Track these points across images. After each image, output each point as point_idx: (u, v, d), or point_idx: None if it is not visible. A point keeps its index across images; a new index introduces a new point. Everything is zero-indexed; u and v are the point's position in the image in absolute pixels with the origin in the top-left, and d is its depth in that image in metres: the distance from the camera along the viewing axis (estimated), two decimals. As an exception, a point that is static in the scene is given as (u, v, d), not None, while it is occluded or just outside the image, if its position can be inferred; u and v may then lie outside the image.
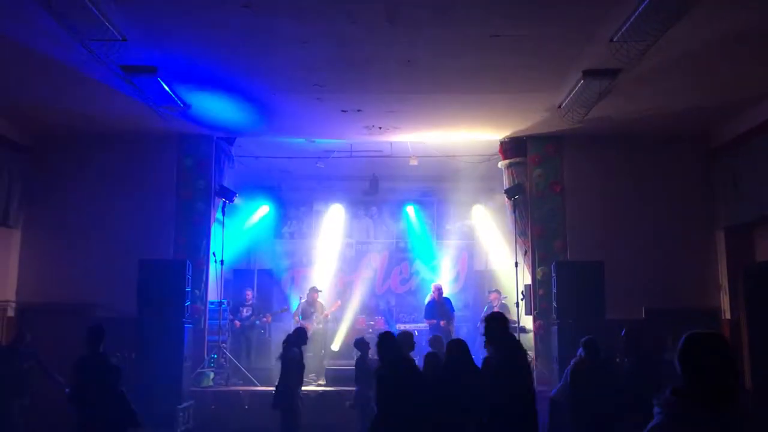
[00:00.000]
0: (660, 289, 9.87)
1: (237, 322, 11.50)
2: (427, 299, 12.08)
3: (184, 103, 8.56)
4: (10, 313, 9.68)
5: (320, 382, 10.62)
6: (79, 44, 6.55)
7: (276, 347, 11.37)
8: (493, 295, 12.29)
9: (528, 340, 10.53)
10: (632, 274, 9.82)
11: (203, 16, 6.24)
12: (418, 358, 9.77)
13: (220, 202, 10.54)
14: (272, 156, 11.72)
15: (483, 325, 5.54)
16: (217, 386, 9.90)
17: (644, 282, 9.87)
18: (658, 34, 6.19)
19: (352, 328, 12.88)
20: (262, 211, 13.84)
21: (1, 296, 9.55)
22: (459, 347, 6.26)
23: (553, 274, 9.34)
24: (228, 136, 10.57)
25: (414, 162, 11.50)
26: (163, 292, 8.99)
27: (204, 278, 10.15)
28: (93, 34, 6.32)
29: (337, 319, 12.84)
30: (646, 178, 10.23)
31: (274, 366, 9.29)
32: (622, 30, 6.28)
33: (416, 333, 12.58)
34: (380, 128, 9.81)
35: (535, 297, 10.15)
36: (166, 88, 7.84)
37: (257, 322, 11.66)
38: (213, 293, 10.67)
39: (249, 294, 12.15)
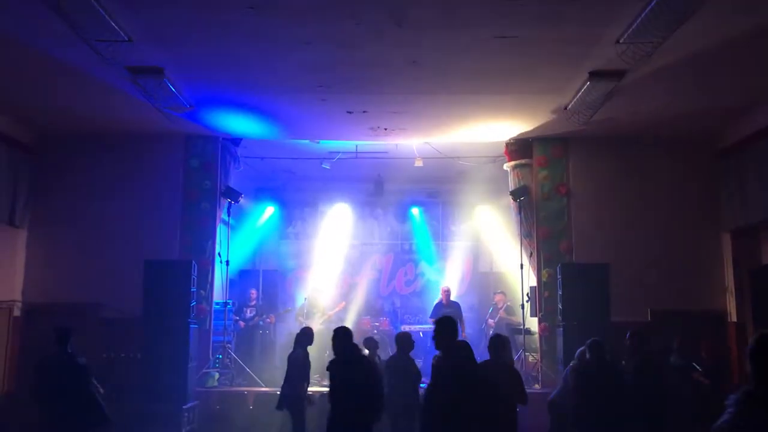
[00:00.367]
0: (666, 291, 9.83)
1: (241, 323, 11.52)
2: (436, 301, 12.08)
3: (190, 104, 8.57)
4: (16, 312, 9.71)
5: (324, 382, 10.61)
6: (86, 45, 6.58)
7: (280, 347, 11.42)
8: (498, 297, 12.27)
9: (533, 342, 10.53)
10: (638, 276, 9.78)
11: (209, 18, 6.26)
12: (422, 360, 9.81)
13: (225, 202, 10.56)
14: (277, 157, 11.74)
15: (433, 328, 5.58)
16: (222, 386, 9.91)
17: (650, 284, 9.83)
18: (664, 35, 6.18)
19: (357, 329, 12.87)
20: (267, 212, 13.87)
21: (7, 296, 9.58)
22: (463, 350, 6.24)
23: (559, 276, 9.31)
24: (233, 137, 10.59)
25: (419, 163, 11.50)
26: (169, 293, 9.01)
27: (209, 279, 10.16)
28: (99, 35, 6.36)
29: (342, 320, 12.83)
30: (652, 180, 10.20)
31: (278, 366, 9.30)
32: (629, 31, 6.28)
33: (421, 334, 12.67)
34: (385, 129, 9.81)
35: (540, 299, 10.13)
36: (173, 89, 7.86)
37: (261, 322, 11.69)
38: (218, 294, 10.68)
39: (253, 294, 12.17)
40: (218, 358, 10.41)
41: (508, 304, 11.98)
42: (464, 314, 12.61)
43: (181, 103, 8.40)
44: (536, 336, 10.37)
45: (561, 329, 9.11)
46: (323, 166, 11.93)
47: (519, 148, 10.52)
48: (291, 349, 8.09)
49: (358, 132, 10.08)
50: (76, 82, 8.03)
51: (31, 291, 9.88)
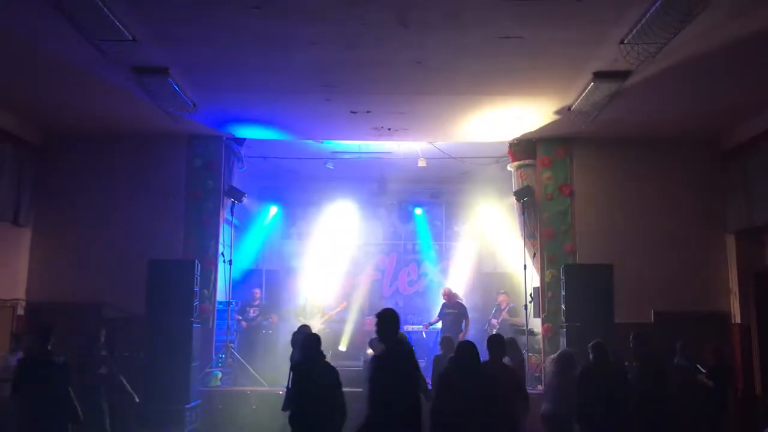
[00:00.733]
0: (669, 292, 9.82)
1: (243, 323, 11.52)
2: (443, 302, 12.12)
3: (194, 104, 8.58)
4: (20, 311, 9.73)
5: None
6: (91, 45, 6.59)
7: (283, 347, 11.39)
8: (501, 297, 12.27)
9: (537, 343, 10.52)
10: (641, 277, 9.77)
11: (214, 17, 6.27)
12: (425, 360, 9.80)
13: (228, 202, 10.57)
14: (281, 157, 11.75)
15: (375, 320, 5.80)
16: (225, 386, 9.92)
17: (653, 285, 9.82)
18: (668, 36, 6.17)
19: (360, 330, 12.90)
20: (270, 212, 13.89)
21: (11, 295, 9.60)
22: (468, 350, 6.25)
23: (562, 277, 9.30)
24: (237, 136, 10.60)
25: (422, 163, 11.50)
26: (172, 292, 9.03)
27: (212, 278, 10.17)
28: (104, 35, 6.37)
29: (343, 320, 12.85)
30: (656, 181, 10.18)
31: (281, 366, 9.28)
32: (633, 32, 6.27)
33: (424, 335, 12.68)
34: (389, 130, 9.81)
35: (543, 300, 10.11)
36: (177, 88, 7.87)
37: (264, 322, 11.69)
38: (221, 293, 10.69)
39: (257, 293, 12.17)
40: (221, 357, 10.43)
41: (512, 305, 11.97)
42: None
43: (186, 103, 8.40)
44: (539, 337, 10.36)
45: (564, 330, 9.10)
46: (327, 166, 11.94)
47: (523, 148, 10.50)
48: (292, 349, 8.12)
49: (361, 132, 10.08)
50: (80, 82, 8.05)
51: (35, 290, 9.90)
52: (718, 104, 8.71)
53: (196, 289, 9.31)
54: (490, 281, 13.79)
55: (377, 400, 5.44)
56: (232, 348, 10.50)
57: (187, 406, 8.79)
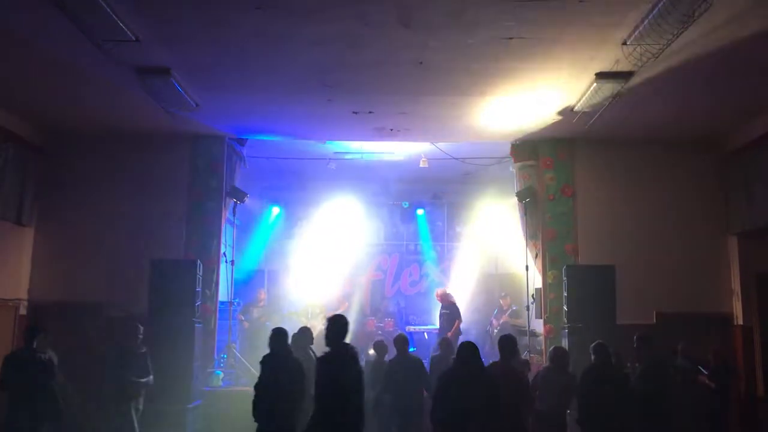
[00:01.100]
0: (672, 293, 9.81)
1: (246, 323, 11.53)
2: None
3: (197, 104, 8.59)
4: (23, 311, 9.75)
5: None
6: (93, 45, 6.60)
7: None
8: (504, 300, 12.29)
9: (538, 344, 10.52)
10: (643, 278, 9.76)
11: (216, 18, 6.27)
12: (427, 359, 9.77)
13: (231, 202, 10.58)
14: (283, 157, 11.76)
15: (325, 324, 6.10)
16: (227, 386, 9.92)
17: (656, 286, 9.81)
18: (670, 37, 6.16)
19: (361, 330, 12.90)
20: (272, 212, 13.90)
21: (13, 294, 9.61)
22: (469, 351, 6.25)
23: (564, 278, 9.29)
24: (240, 137, 10.61)
25: (424, 164, 11.50)
26: (174, 292, 9.04)
27: (214, 278, 10.17)
28: (106, 35, 6.38)
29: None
30: (658, 182, 10.17)
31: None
32: (635, 33, 6.27)
33: (426, 335, 12.69)
34: (391, 130, 9.81)
35: (545, 301, 10.11)
36: (179, 88, 7.88)
37: (268, 323, 11.69)
38: (223, 293, 10.70)
39: (262, 294, 12.18)
40: (223, 357, 10.43)
41: (515, 308, 11.98)
42: (469, 316, 12.68)
43: (188, 103, 8.41)
44: (541, 338, 10.35)
45: (566, 331, 9.09)
46: (329, 166, 11.94)
47: (525, 149, 10.50)
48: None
49: (363, 132, 10.09)
50: (83, 82, 8.06)
51: (38, 289, 9.91)
52: (720, 105, 8.70)
53: (198, 289, 9.32)
54: (491, 282, 13.80)
55: (318, 399, 5.75)
56: (234, 348, 10.51)
57: (188, 405, 8.80)
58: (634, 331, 8.06)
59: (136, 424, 7.87)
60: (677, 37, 6.16)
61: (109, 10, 5.89)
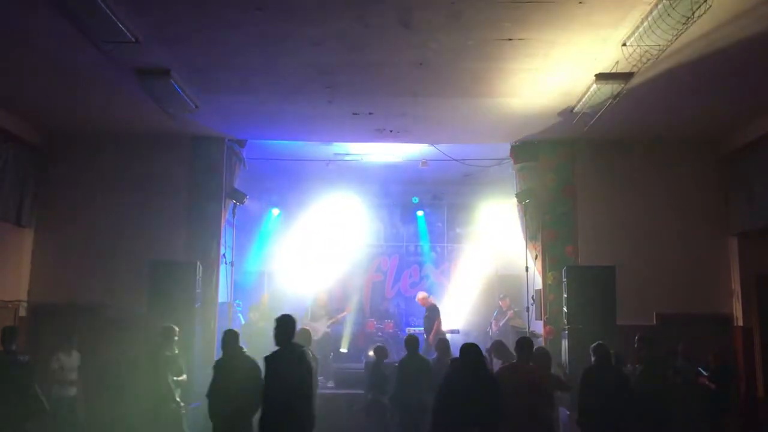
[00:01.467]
0: (672, 294, 9.80)
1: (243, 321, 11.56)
2: None
3: (196, 105, 8.59)
4: (22, 312, 9.74)
5: (328, 384, 10.62)
6: (93, 46, 6.61)
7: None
8: (504, 301, 12.29)
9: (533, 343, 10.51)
10: (644, 279, 9.75)
11: (216, 19, 6.27)
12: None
13: (230, 203, 10.57)
14: (283, 159, 11.76)
15: (274, 325, 6.25)
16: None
17: (656, 287, 9.80)
18: (670, 38, 6.16)
19: (361, 331, 12.91)
20: (272, 213, 13.90)
21: (13, 296, 9.61)
22: (472, 352, 6.27)
23: (564, 279, 9.28)
24: (239, 138, 10.61)
25: (425, 165, 11.49)
26: (174, 293, 9.04)
27: (214, 280, 10.16)
28: (106, 36, 6.38)
29: (345, 322, 12.85)
30: (658, 183, 10.17)
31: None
32: (635, 34, 6.27)
33: (426, 337, 12.66)
34: (391, 131, 9.81)
35: (545, 302, 10.10)
36: (179, 90, 7.88)
37: (268, 325, 11.68)
38: (223, 295, 10.69)
39: (265, 298, 12.17)
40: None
41: (516, 309, 11.98)
42: (468, 317, 12.83)
43: (187, 104, 8.40)
44: (541, 339, 10.34)
45: (566, 332, 9.09)
46: (329, 167, 11.93)
47: (525, 150, 10.49)
48: None
49: (363, 134, 10.08)
50: (83, 83, 8.07)
51: (37, 291, 9.92)
52: (720, 106, 8.70)
53: (198, 290, 9.32)
54: (491, 283, 13.79)
55: (264, 398, 5.97)
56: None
57: (188, 407, 8.77)
58: (634, 332, 8.05)
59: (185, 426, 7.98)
60: (677, 37, 6.16)
61: (108, 11, 5.89)
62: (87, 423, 8.82)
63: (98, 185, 10.18)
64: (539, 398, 6.66)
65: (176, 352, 8.14)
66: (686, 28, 5.96)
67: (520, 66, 7.33)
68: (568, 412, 8.49)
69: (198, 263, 9.44)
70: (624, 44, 6.53)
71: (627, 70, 7.16)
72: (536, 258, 10.32)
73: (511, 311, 12.10)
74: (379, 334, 12.25)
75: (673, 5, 5.60)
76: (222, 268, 10.38)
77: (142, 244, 9.90)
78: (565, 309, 9.19)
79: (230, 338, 7.09)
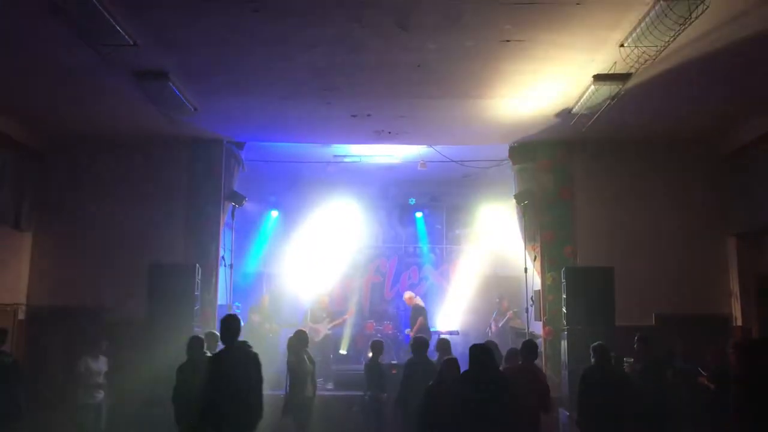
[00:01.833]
0: (671, 295, 9.81)
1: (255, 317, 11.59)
2: None
3: (195, 108, 8.59)
4: (21, 316, 9.73)
5: (328, 386, 10.62)
6: (91, 49, 6.60)
7: (284, 352, 11.44)
8: (503, 302, 12.30)
9: (538, 346, 10.52)
10: (642, 280, 9.76)
11: (214, 21, 6.27)
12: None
13: (229, 206, 10.57)
14: (282, 161, 11.75)
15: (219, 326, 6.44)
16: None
17: (654, 288, 9.81)
18: (667, 39, 6.17)
19: (360, 333, 12.90)
20: (271, 215, 13.90)
21: (12, 299, 9.60)
22: (482, 353, 6.29)
23: (563, 280, 9.29)
24: (238, 140, 10.61)
25: (423, 167, 11.50)
26: (173, 296, 9.03)
27: (213, 282, 10.16)
28: (104, 40, 6.38)
29: (345, 324, 12.84)
30: (657, 184, 10.18)
31: (283, 371, 9.31)
32: (633, 35, 6.28)
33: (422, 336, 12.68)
34: (390, 133, 9.81)
35: (544, 303, 10.11)
36: (177, 93, 7.88)
37: (267, 325, 11.70)
38: (222, 297, 10.69)
39: (265, 300, 12.17)
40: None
41: (515, 310, 11.99)
42: (467, 317, 12.89)
43: (186, 107, 8.41)
44: (540, 340, 10.34)
45: (565, 333, 9.10)
46: (328, 169, 11.93)
47: (523, 151, 10.51)
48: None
49: (362, 136, 10.09)
50: (81, 87, 8.06)
51: (36, 294, 9.91)
52: (718, 106, 8.71)
53: (197, 293, 9.32)
54: (490, 284, 13.79)
55: (209, 396, 6.07)
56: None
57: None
58: (633, 332, 8.07)
59: None
60: (675, 38, 6.17)
61: (107, 14, 5.89)
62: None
63: (97, 188, 10.18)
64: (538, 399, 6.76)
65: (208, 354, 8.11)
66: (684, 29, 5.97)
67: (518, 67, 7.34)
68: (567, 413, 8.50)
69: (197, 266, 9.44)
70: (622, 45, 6.54)
71: (625, 71, 7.17)
72: (535, 259, 10.33)
73: (511, 312, 12.12)
74: (378, 335, 12.25)
75: (671, 6, 5.62)
76: (221, 270, 10.37)
77: (141, 246, 9.90)
78: (564, 310, 9.20)
79: (195, 343, 7.35)
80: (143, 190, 10.18)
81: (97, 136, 10.07)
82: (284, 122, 9.57)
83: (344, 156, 11.59)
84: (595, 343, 7.19)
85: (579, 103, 8.23)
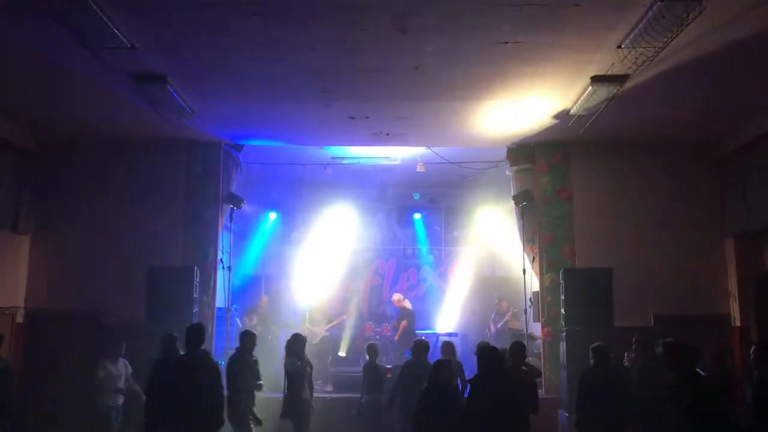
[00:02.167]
0: (669, 296, 9.82)
1: (246, 320, 11.56)
2: None
3: (193, 110, 8.59)
4: (19, 319, 9.72)
5: (327, 388, 10.61)
6: (89, 52, 6.60)
7: (283, 354, 11.43)
8: (503, 303, 12.30)
9: (536, 348, 10.52)
10: (641, 280, 9.77)
11: (211, 24, 6.27)
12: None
13: (228, 208, 10.57)
14: (280, 163, 11.75)
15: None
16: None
17: (653, 289, 9.82)
18: (665, 40, 6.18)
19: (360, 335, 12.89)
20: (269, 217, 13.90)
21: (10, 302, 9.59)
22: (493, 355, 6.32)
23: (562, 281, 9.29)
24: (236, 143, 10.61)
25: (421, 168, 11.50)
26: (171, 299, 9.01)
27: (212, 284, 10.15)
28: (102, 42, 6.37)
29: (344, 326, 12.84)
30: (654, 185, 10.19)
31: (281, 373, 9.30)
32: (630, 36, 6.29)
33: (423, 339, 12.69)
34: (388, 135, 9.82)
35: (543, 304, 10.11)
36: (175, 95, 7.88)
37: (266, 329, 11.69)
38: (220, 300, 10.68)
39: (264, 301, 12.16)
40: (221, 364, 10.39)
41: (515, 310, 11.99)
42: (465, 319, 13.02)
43: (184, 110, 8.40)
44: (539, 341, 10.36)
45: (564, 334, 9.10)
46: (326, 171, 11.94)
47: (521, 153, 10.52)
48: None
49: (360, 138, 10.09)
50: (79, 89, 8.06)
51: (34, 297, 9.90)
52: (716, 107, 8.72)
53: (196, 295, 9.30)
54: (489, 286, 13.82)
55: (149, 400, 6.35)
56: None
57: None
58: (632, 333, 8.07)
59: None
60: (672, 40, 6.17)
61: (104, 17, 5.89)
62: None
63: (95, 191, 10.16)
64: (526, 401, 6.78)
65: (255, 358, 8.15)
66: (681, 31, 5.98)
67: (516, 69, 7.35)
68: (566, 414, 8.50)
69: (195, 268, 9.42)
70: (619, 47, 6.55)
71: (622, 73, 7.18)
72: (533, 260, 10.34)
73: (511, 312, 12.12)
74: (377, 337, 12.25)
75: (668, 8, 5.63)
76: (219, 272, 10.36)
77: (139, 249, 9.88)
78: (562, 311, 9.20)
79: (169, 341, 7.55)
80: (141, 193, 10.17)
81: (96, 138, 10.06)
82: (282, 124, 9.57)
83: (343, 158, 11.59)
84: (595, 344, 7.20)
85: (577, 105, 8.24)
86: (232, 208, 10.59)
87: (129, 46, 6.53)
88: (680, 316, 9.60)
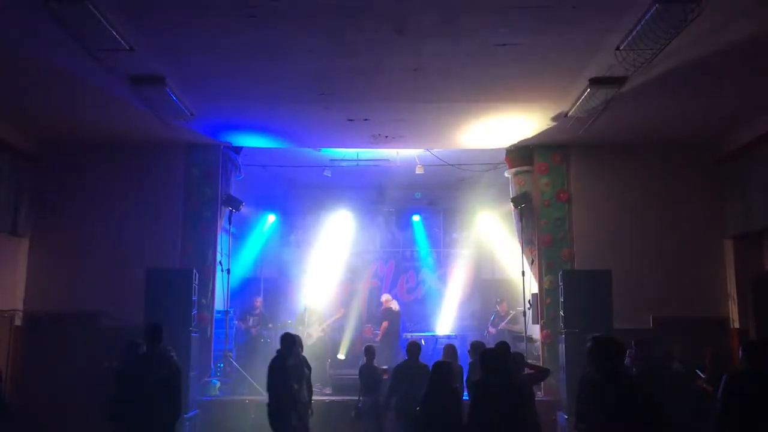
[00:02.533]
0: (668, 298, 9.81)
1: (242, 325, 11.55)
2: None
3: (192, 113, 8.59)
4: (18, 322, 9.70)
5: (326, 390, 10.60)
6: (88, 54, 6.60)
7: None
8: (503, 305, 12.29)
9: (535, 350, 10.52)
10: (640, 282, 9.76)
11: (210, 26, 6.27)
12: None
13: (226, 210, 10.56)
14: (279, 165, 11.75)
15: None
16: (223, 396, 9.88)
17: (652, 291, 9.82)
18: (663, 42, 6.19)
19: (359, 337, 12.88)
20: (268, 220, 13.89)
21: (8, 305, 9.57)
22: (495, 358, 6.29)
23: (560, 283, 9.28)
24: (235, 145, 10.61)
25: (420, 170, 11.50)
26: (170, 301, 8.98)
27: (210, 287, 10.15)
28: (101, 44, 6.37)
29: (343, 328, 12.83)
30: (653, 187, 10.19)
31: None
32: (628, 39, 6.29)
33: (422, 341, 12.67)
34: (386, 137, 9.82)
35: (542, 306, 10.11)
36: (174, 97, 7.87)
37: (264, 331, 11.67)
38: (219, 302, 10.67)
39: (258, 303, 12.15)
40: (219, 366, 10.39)
41: (513, 312, 11.98)
42: (465, 322, 13.07)
43: (183, 112, 8.40)
44: (538, 343, 10.35)
45: (563, 336, 9.09)
46: (325, 173, 11.94)
47: (520, 155, 10.52)
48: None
49: (359, 140, 10.10)
50: (78, 91, 8.06)
51: (33, 300, 9.87)
52: (714, 109, 8.73)
53: (194, 297, 9.29)
54: (488, 288, 13.81)
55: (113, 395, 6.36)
56: (231, 357, 10.47)
57: (185, 415, 8.73)
58: (631, 335, 8.05)
59: None
60: (670, 42, 6.18)
61: (102, 19, 5.88)
62: None
63: (94, 193, 10.16)
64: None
65: (298, 361, 8.13)
66: (679, 32, 5.99)
67: (514, 71, 7.35)
68: (566, 416, 8.49)
69: (194, 270, 9.41)
70: (617, 49, 6.55)
71: (621, 75, 7.19)
72: (532, 262, 10.34)
73: (511, 313, 12.10)
74: (377, 339, 12.23)
75: (666, 10, 5.63)
76: (218, 275, 10.35)
77: (138, 251, 9.87)
78: (561, 313, 9.19)
79: (135, 347, 7.39)
80: (140, 195, 10.17)
81: (94, 140, 10.05)
82: (281, 126, 9.57)
83: (341, 159, 11.59)
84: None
85: (575, 107, 8.24)
86: (231, 211, 10.59)
87: (127, 48, 6.53)
88: (679, 318, 9.61)
